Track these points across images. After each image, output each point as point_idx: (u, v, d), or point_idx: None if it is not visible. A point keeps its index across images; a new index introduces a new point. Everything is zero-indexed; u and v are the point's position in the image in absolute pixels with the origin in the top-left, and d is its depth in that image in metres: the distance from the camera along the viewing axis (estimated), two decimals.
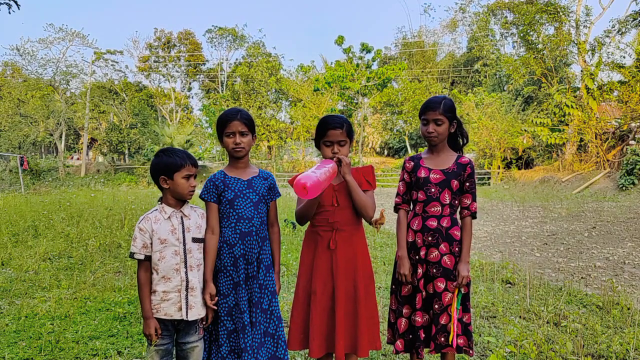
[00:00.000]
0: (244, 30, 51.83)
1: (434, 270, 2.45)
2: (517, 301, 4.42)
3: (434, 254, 2.46)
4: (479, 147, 27.64)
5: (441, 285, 2.45)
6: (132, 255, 2.27)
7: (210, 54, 78.65)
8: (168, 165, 2.28)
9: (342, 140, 2.42)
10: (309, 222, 2.55)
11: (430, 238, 2.47)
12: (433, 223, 2.47)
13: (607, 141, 19.33)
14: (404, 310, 2.52)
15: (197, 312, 2.28)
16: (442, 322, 2.44)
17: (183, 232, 2.29)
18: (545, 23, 22.20)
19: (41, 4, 77.69)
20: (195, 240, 2.31)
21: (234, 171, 2.45)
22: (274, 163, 35.62)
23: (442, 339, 2.44)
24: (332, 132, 2.40)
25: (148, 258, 2.26)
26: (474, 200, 2.54)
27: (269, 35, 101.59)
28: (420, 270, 2.47)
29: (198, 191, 2.41)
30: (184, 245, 2.28)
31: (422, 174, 2.52)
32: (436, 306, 2.44)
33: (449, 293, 2.45)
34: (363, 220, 2.55)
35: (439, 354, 2.55)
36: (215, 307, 2.31)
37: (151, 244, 2.26)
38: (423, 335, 2.46)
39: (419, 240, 2.49)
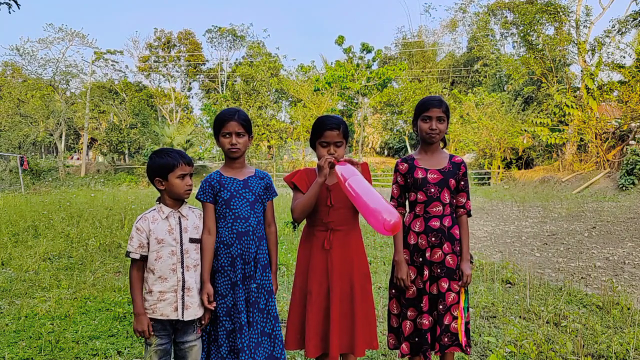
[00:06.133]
0: (249, 30, 51.84)
1: (438, 271, 2.44)
2: (517, 301, 4.42)
3: (437, 254, 2.45)
4: (479, 147, 27.63)
5: (445, 285, 2.44)
6: (128, 254, 2.27)
7: (210, 54, 78.87)
8: (161, 167, 2.28)
9: (339, 142, 2.40)
10: (305, 222, 2.55)
11: (434, 239, 2.45)
12: (436, 223, 2.46)
13: (607, 141, 19.31)
14: (409, 313, 2.49)
15: (193, 312, 2.28)
16: (446, 322, 2.44)
17: (180, 232, 2.29)
18: (545, 23, 22.19)
19: (41, 4, 77.73)
20: (192, 240, 2.31)
21: (230, 171, 2.45)
22: (274, 163, 35.62)
23: (446, 339, 2.44)
24: (328, 133, 2.38)
25: (144, 258, 2.27)
26: (468, 198, 2.56)
27: (270, 35, 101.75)
28: (426, 272, 2.45)
29: (195, 191, 2.41)
30: (181, 245, 2.28)
31: (419, 174, 2.50)
32: (440, 307, 2.43)
33: (452, 293, 2.45)
34: (360, 220, 2.55)
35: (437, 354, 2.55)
36: (213, 308, 2.31)
37: (148, 243, 2.26)
38: (429, 339, 2.45)
39: (422, 242, 2.47)
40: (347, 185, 2.14)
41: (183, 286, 2.27)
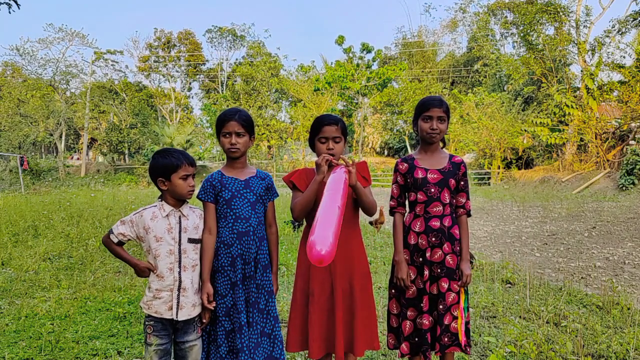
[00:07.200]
0: (250, 29, 51.86)
1: (438, 270, 2.44)
2: (517, 301, 4.42)
3: (437, 254, 2.45)
4: (479, 147, 27.63)
5: (445, 285, 2.44)
6: (110, 231, 2.30)
7: (210, 54, 79.01)
8: (164, 167, 2.28)
9: (337, 137, 2.40)
10: (306, 223, 2.55)
11: (434, 239, 2.45)
12: (436, 223, 2.46)
13: (607, 141, 19.32)
14: (409, 313, 2.49)
15: (187, 312, 2.27)
16: (446, 322, 2.44)
17: (180, 232, 2.29)
18: (545, 23, 22.18)
19: (41, 4, 77.73)
20: (191, 241, 2.31)
21: (232, 171, 2.44)
22: (274, 163, 35.62)
23: (446, 339, 2.44)
24: (327, 128, 2.39)
25: (120, 244, 2.31)
26: (468, 198, 2.56)
27: (271, 35, 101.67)
28: (426, 272, 2.45)
29: (196, 190, 2.41)
30: (179, 245, 2.28)
31: (419, 174, 2.49)
32: (440, 307, 2.43)
33: (452, 293, 2.44)
34: (359, 219, 2.54)
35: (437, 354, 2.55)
36: (212, 308, 2.31)
37: (137, 237, 2.29)
38: (430, 339, 2.45)
39: (422, 242, 2.47)
40: (325, 187, 2.14)
41: (179, 286, 2.27)
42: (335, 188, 2.11)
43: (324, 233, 1.85)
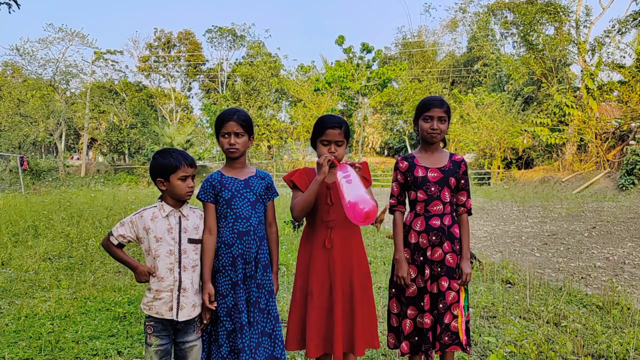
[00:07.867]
0: (250, 29, 51.83)
1: (438, 269, 2.44)
2: (517, 301, 4.42)
3: (437, 253, 2.45)
4: (479, 147, 27.63)
5: (445, 284, 2.44)
6: (110, 233, 2.29)
7: (210, 54, 79.02)
8: (163, 167, 2.28)
9: (340, 141, 2.41)
10: (306, 222, 2.55)
11: (434, 237, 2.45)
12: (436, 222, 2.46)
13: (607, 141, 19.32)
14: (409, 312, 2.49)
15: (187, 312, 2.27)
16: (446, 321, 2.44)
17: (180, 232, 2.29)
18: (545, 23, 22.18)
19: (41, 4, 77.74)
20: (191, 241, 2.31)
21: (231, 171, 2.44)
22: (274, 163, 35.61)
23: (446, 337, 2.44)
24: (330, 131, 2.39)
25: (120, 246, 2.30)
26: (468, 197, 2.56)
27: (271, 35, 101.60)
28: (427, 271, 2.45)
29: (196, 191, 2.41)
30: (180, 245, 2.28)
31: (420, 173, 2.50)
32: (440, 305, 2.43)
33: (452, 292, 2.44)
34: None
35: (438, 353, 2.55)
36: (214, 308, 2.31)
37: (137, 238, 2.29)
38: (431, 337, 2.45)
39: (423, 241, 2.47)
40: (337, 178, 2.21)
41: (179, 286, 2.26)
42: (348, 174, 2.20)
43: (359, 193, 1.97)
